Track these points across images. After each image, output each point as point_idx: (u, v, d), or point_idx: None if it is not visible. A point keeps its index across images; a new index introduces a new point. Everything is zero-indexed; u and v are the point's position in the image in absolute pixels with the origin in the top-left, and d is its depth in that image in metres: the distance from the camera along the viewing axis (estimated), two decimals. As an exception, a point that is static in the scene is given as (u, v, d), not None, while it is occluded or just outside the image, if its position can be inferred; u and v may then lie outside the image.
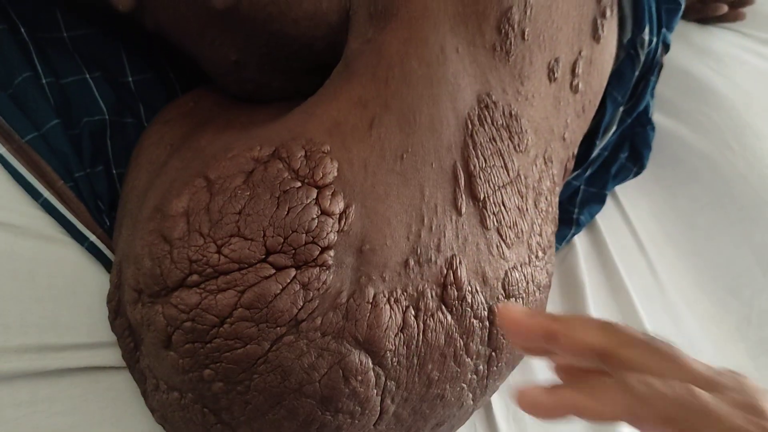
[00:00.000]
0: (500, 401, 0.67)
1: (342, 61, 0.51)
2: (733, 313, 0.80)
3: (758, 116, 0.87)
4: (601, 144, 0.74)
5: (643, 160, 0.83)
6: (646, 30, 0.68)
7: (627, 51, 0.67)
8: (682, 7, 0.74)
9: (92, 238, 0.55)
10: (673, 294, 0.81)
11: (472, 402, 0.50)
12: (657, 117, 0.89)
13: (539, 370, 0.69)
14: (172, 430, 0.46)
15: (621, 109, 0.73)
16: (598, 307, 0.77)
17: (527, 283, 0.49)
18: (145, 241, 0.40)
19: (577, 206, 0.80)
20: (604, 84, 0.65)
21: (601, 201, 0.82)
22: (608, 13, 0.60)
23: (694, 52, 0.93)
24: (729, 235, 0.83)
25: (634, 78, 0.70)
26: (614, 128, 0.75)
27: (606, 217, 0.85)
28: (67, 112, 0.58)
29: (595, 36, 0.59)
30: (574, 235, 0.80)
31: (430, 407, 0.45)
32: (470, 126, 0.47)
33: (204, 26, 0.54)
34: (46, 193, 0.54)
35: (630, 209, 0.87)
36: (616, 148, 0.81)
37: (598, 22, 0.58)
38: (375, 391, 0.41)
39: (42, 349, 0.50)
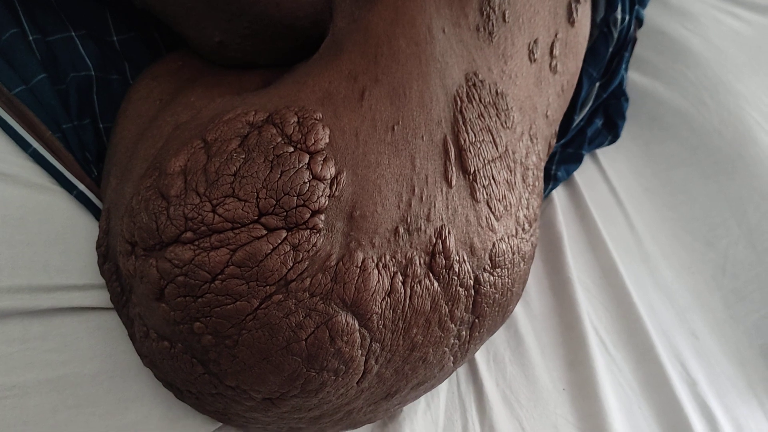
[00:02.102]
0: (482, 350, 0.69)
1: (329, 37, 0.52)
2: (708, 264, 0.83)
3: (732, 74, 0.89)
4: (578, 119, 0.77)
5: (617, 130, 0.86)
6: (619, 9, 0.70)
7: (600, 29, 0.70)
8: None
9: (81, 186, 0.56)
10: (649, 245, 0.84)
11: (452, 364, 0.51)
12: (633, 76, 0.91)
13: (531, 345, 0.71)
14: (161, 375, 0.48)
15: (597, 84, 0.76)
16: (576, 258, 0.79)
17: (513, 254, 0.50)
18: (141, 196, 0.41)
19: (555, 164, 0.83)
20: (580, 65, 0.67)
21: (578, 160, 0.84)
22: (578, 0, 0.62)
23: (670, 13, 0.95)
24: (704, 188, 0.86)
25: (608, 54, 0.73)
26: (591, 103, 0.78)
27: (583, 173, 0.88)
28: (54, 67, 0.59)
29: (570, 19, 0.61)
30: (551, 190, 0.83)
31: (412, 368, 0.47)
32: (459, 102, 0.49)
33: (189, 9, 0.55)
34: (35, 144, 0.55)
35: (607, 165, 0.90)
36: (591, 114, 0.84)
37: (573, 6, 0.61)
38: (360, 351, 0.42)
39: (33, 290, 0.51)
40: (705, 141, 0.86)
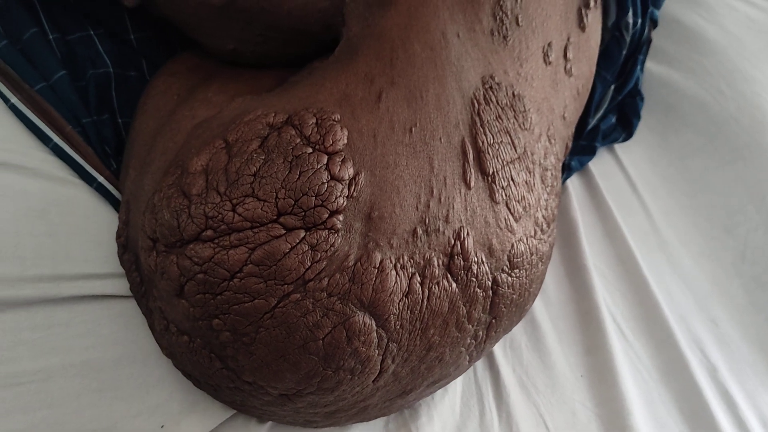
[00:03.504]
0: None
1: (344, 41, 0.52)
2: (728, 251, 0.82)
3: (748, 61, 0.88)
4: (593, 121, 0.78)
5: (632, 128, 0.85)
6: (630, 13, 0.70)
7: (612, 33, 0.70)
8: None
9: (100, 179, 0.57)
10: (667, 233, 0.83)
11: (468, 363, 0.52)
12: (649, 65, 0.90)
13: (547, 332, 0.71)
14: (179, 366, 0.49)
15: (612, 87, 0.76)
16: (592, 245, 0.79)
17: (531, 255, 0.50)
18: (164, 193, 0.41)
19: (568, 155, 0.82)
20: (594, 69, 0.67)
21: (592, 152, 0.84)
22: (592, 3, 0.62)
23: (685, 1, 0.93)
24: (722, 175, 0.85)
25: (622, 57, 0.73)
26: (606, 105, 0.78)
27: (599, 162, 0.87)
28: (73, 65, 0.60)
29: (581, 25, 0.61)
30: (565, 179, 0.82)
31: (428, 368, 0.47)
32: (476, 105, 0.48)
33: (202, 19, 0.56)
34: (56, 138, 0.56)
35: (623, 154, 0.89)
36: (606, 111, 0.84)
37: (583, 12, 0.61)
38: (377, 351, 0.42)
39: (56, 279, 0.52)
40: (722, 128, 0.85)
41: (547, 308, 0.74)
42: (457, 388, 0.64)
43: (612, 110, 0.84)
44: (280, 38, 0.57)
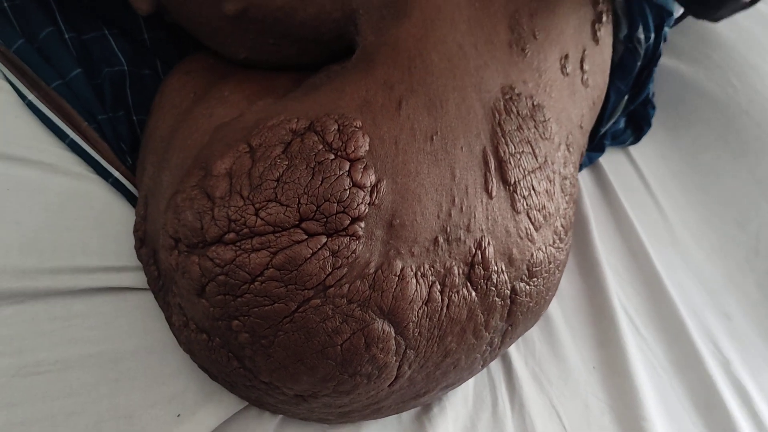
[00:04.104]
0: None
1: (360, 49, 0.51)
2: (740, 245, 0.82)
3: (758, 55, 0.88)
4: (604, 129, 0.78)
5: (641, 133, 0.86)
6: (640, 28, 0.71)
7: (626, 45, 0.71)
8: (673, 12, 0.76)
9: (116, 174, 0.58)
10: (679, 228, 0.83)
11: (481, 367, 0.52)
12: (660, 60, 0.89)
13: (560, 325, 0.71)
14: (197, 361, 0.50)
15: (625, 97, 0.76)
16: (603, 240, 0.79)
17: (549, 263, 0.50)
18: (187, 194, 0.41)
19: None
20: (607, 80, 0.68)
21: (601, 150, 0.84)
22: (604, 18, 0.63)
23: None
24: (733, 169, 0.85)
25: (637, 68, 0.74)
26: (618, 114, 0.78)
27: (609, 157, 0.88)
28: (89, 63, 0.61)
29: (595, 38, 0.62)
30: None
31: (443, 373, 0.47)
32: (497, 115, 0.49)
33: (215, 28, 0.56)
34: (72, 134, 0.57)
35: (633, 149, 0.90)
36: (618, 118, 0.84)
37: (596, 26, 0.62)
38: (394, 358, 0.43)
39: (74, 271, 0.53)
40: (733, 122, 0.85)
41: (560, 302, 0.74)
42: (469, 379, 0.64)
43: (623, 115, 0.84)
44: (292, 47, 0.57)
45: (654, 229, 0.82)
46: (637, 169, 0.88)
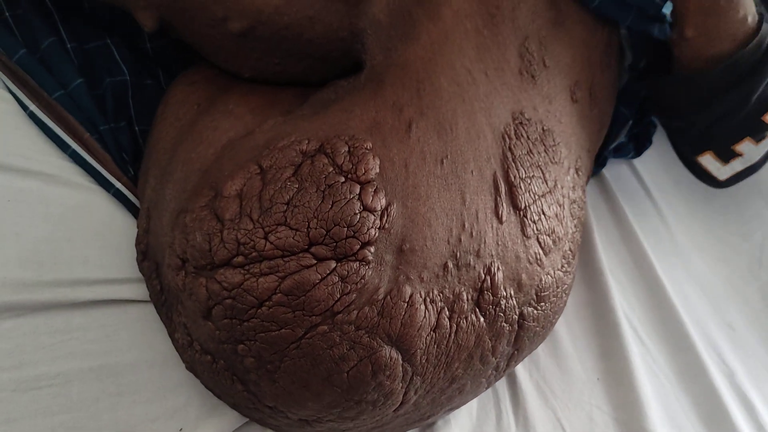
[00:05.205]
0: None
1: (369, 68, 0.51)
2: (743, 255, 0.82)
3: None
4: (606, 152, 0.79)
5: (642, 149, 0.85)
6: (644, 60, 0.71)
7: (630, 73, 0.72)
8: None
9: (118, 185, 0.57)
10: (682, 238, 0.83)
11: (485, 389, 0.52)
12: None
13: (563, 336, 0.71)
14: (200, 381, 0.49)
15: (630, 122, 0.77)
16: (606, 250, 0.78)
17: (557, 287, 0.50)
18: (196, 215, 0.41)
19: None
20: (613, 106, 0.68)
21: (602, 164, 0.84)
22: (612, 47, 0.63)
23: None
24: None
25: (641, 95, 0.75)
26: (621, 137, 0.79)
27: (612, 167, 0.87)
28: (91, 73, 0.61)
29: (602, 66, 0.62)
30: None
31: (448, 398, 0.47)
32: (508, 140, 0.48)
33: (220, 46, 0.56)
34: (74, 145, 0.56)
35: (636, 159, 0.88)
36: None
37: (605, 55, 0.62)
38: (401, 385, 0.42)
39: (74, 283, 0.52)
40: None
41: (564, 313, 0.73)
42: (474, 393, 0.64)
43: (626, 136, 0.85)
44: (299, 66, 0.56)
45: (657, 239, 0.82)
46: (639, 179, 0.88)
